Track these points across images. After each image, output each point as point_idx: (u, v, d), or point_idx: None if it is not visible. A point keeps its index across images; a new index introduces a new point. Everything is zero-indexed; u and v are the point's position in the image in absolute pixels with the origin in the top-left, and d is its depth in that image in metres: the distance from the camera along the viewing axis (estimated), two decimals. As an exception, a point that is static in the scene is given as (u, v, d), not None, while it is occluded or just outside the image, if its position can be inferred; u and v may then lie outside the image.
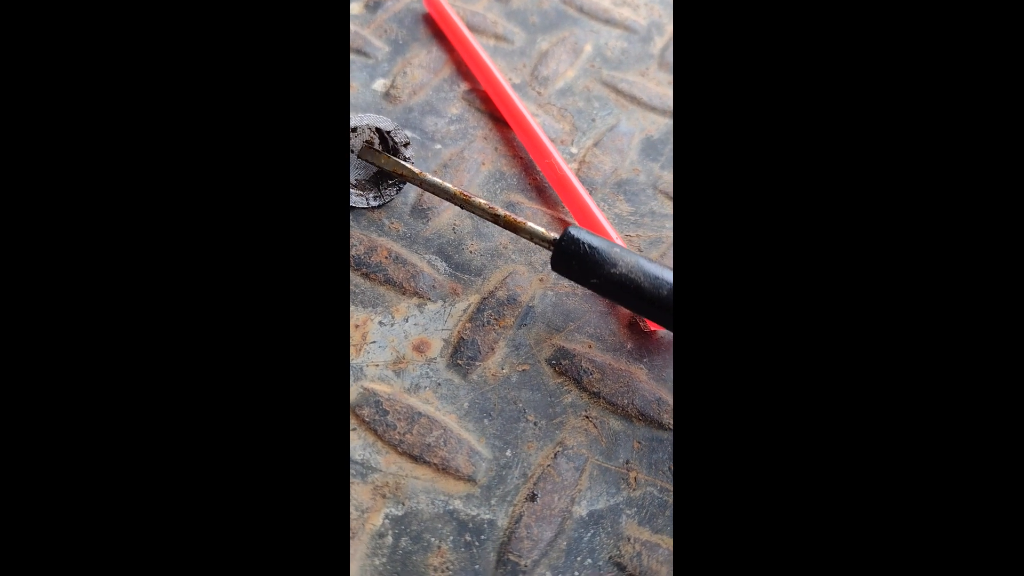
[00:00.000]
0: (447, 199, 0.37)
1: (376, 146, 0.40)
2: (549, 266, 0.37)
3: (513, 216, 0.36)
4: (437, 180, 0.38)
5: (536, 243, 0.36)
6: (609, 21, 0.53)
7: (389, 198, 0.41)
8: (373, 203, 0.40)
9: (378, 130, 0.40)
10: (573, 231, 0.34)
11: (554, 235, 0.35)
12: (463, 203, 0.37)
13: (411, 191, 0.42)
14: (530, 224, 0.36)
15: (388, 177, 0.41)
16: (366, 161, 0.40)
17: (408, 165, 0.38)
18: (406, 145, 0.40)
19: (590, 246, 0.34)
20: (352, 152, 0.40)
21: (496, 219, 0.36)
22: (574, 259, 0.34)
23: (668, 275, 0.33)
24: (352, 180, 0.40)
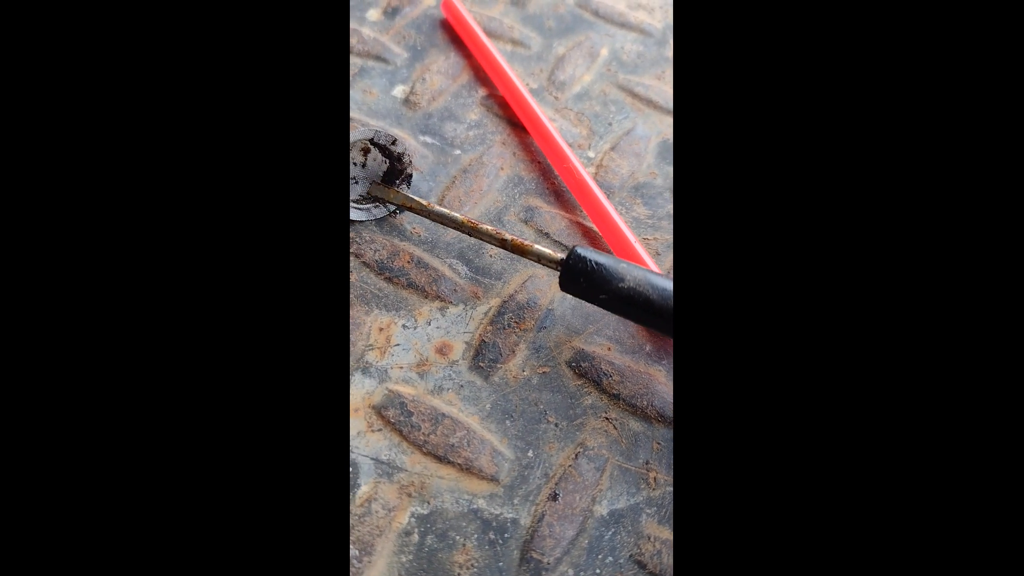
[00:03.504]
0: (455, 228, 0.38)
1: (373, 155, 0.41)
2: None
3: (520, 240, 0.37)
4: (444, 210, 0.39)
5: (544, 264, 0.36)
6: (625, 25, 0.54)
7: (395, 209, 0.41)
8: (376, 214, 0.41)
9: (371, 141, 0.40)
10: (579, 250, 0.35)
11: (561, 256, 0.36)
12: (471, 231, 0.38)
13: (431, 196, 0.43)
14: (537, 247, 0.36)
15: (394, 178, 0.41)
16: (376, 197, 0.41)
17: (416, 198, 0.40)
18: (394, 143, 0.40)
19: (596, 263, 0.34)
20: (353, 164, 0.41)
21: (504, 244, 0.37)
22: (582, 276, 0.34)
23: None
24: (361, 193, 0.41)
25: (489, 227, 0.38)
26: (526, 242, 0.37)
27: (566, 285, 0.35)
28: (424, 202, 0.39)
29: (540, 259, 0.36)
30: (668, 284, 0.34)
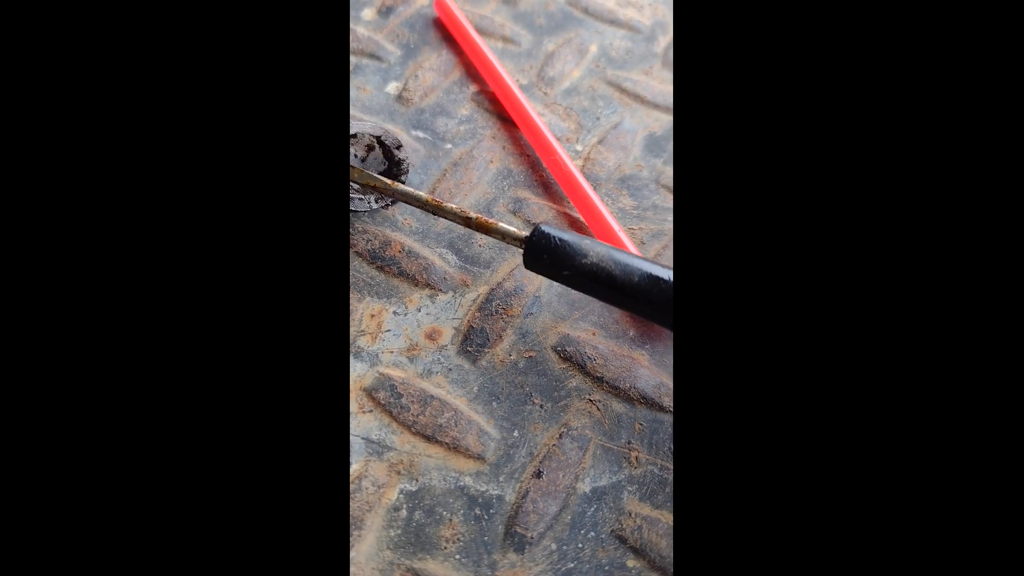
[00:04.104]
0: (419, 207, 0.38)
1: (375, 153, 0.42)
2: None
3: (484, 218, 0.37)
4: (408, 189, 0.39)
5: (509, 242, 0.36)
6: (614, 22, 0.55)
7: (391, 199, 0.43)
8: (375, 205, 0.42)
9: (378, 139, 0.42)
10: (543, 227, 0.35)
11: (525, 233, 0.36)
12: (435, 209, 0.38)
13: (422, 189, 0.44)
14: (501, 224, 0.37)
15: (389, 176, 0.43)
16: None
17: (379, 177, 0.39)
18: (399, 147, 0.42)
19: (560, 239, 0.34)
20: (355, 156, 0.42)
21: (468, 222, 0.37)
22: (545, 253, 0.34)
23: (639, 263, 0.34)
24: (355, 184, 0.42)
25: (453, 206, 0.38)
26: (490, 220, 0.37)
27: (530, 262, 0.35)
28: (387, 181, 0.39)
29: (504, 237, 0.36)
30: (631, 260, 0.34)
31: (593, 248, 0.35)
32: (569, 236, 0.35)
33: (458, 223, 0.38)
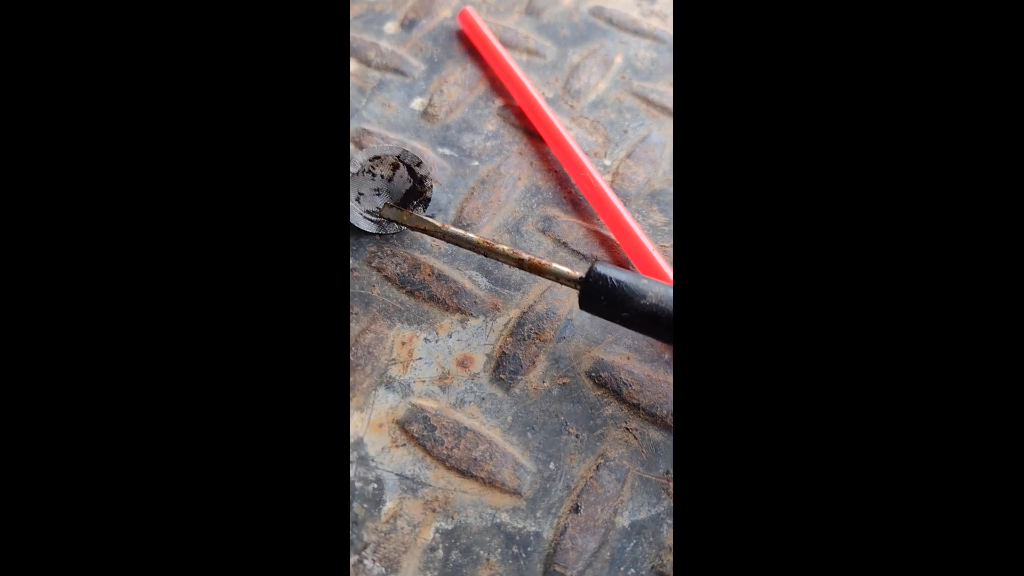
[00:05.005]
0: (471, 249, 0.38)
1: (400, 171, 0.41)
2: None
3: (538, 260, 0.36)
4: (460, 232, 0.38)
5: (562, 283, 0.36)
6: (638, 32, 0.54)
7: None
8: (388, 229, 0.41)
9: (398, 158, 0.41)
10: (599, 268, 0.34)
11: (579, 274, 0.35)
12: (487, 251, 0.38)
13: (451, 209, 0.43)
14: (554, 265, 0.36)
15: (413, 198, 0.42)
16: (389, 220, 0.41)
17: (429, 219, 0.39)
18: (419, 164, 0.41)
19: (617, 280, 0.34)
20: (381, 177, 0.41)
21: (521, 264, 0.37)
22: (603, 295, 0.34)
23: None
24: (378, 205, 0.42)
25: (505, 247, 0.37)
26: (544, 261, 0.37)
27: (586, 304, 0.35)
28: (438, 223, 0.39)
29: (558, 278, 0.36)
30: None
31: (651, 288, 0.34)
32: (626, 276, 0.34)
33: (511, 264, 0.37)
